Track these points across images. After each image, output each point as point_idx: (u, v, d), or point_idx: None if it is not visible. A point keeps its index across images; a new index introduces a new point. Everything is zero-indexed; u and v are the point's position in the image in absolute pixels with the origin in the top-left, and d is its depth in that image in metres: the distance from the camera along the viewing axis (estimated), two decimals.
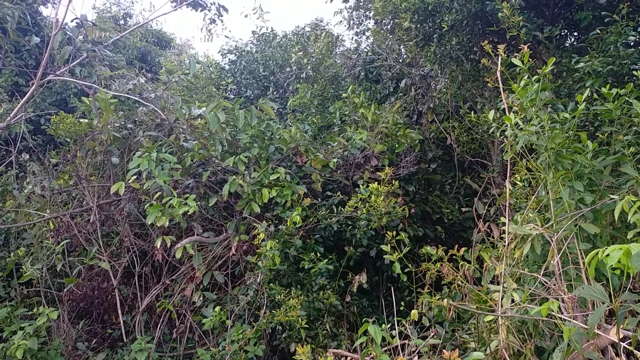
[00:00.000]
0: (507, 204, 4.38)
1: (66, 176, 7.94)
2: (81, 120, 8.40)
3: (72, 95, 11.62)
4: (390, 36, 10.52)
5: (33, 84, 6.82)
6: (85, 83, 6.67)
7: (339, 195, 7.20)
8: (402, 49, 10.77)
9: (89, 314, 7.24)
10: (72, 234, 7.13)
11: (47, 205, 7.56)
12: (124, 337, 6.78)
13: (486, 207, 7.45)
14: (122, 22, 19.51)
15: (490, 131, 4.88)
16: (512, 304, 4.02)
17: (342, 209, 6.90)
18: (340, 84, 11.73)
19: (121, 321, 6.85)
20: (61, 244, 6.66)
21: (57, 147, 10.45)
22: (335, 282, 6.82)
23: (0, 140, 8.39)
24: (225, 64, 16.07)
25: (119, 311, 6.92)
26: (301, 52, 12.10)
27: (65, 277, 7.04)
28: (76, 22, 6.80)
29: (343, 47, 13.15)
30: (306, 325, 6.00)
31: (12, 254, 6.74)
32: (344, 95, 9.50)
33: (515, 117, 4.25)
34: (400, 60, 10.55)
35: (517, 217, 4.58)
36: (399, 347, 4.45)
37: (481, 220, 6.13)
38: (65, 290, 6.96)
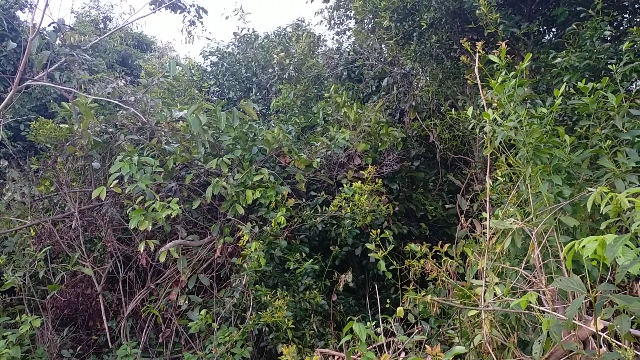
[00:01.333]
0: (488, 200, 4.42)
1: (47, 182, 7.85)
2: (61, 125, 8.30)
3: (51, 101, 11.48)
4: (372, 35, 10.56)
5: (11, 89, 6.73)
6: (64, 87, 6.60)
7: (323, 195, 7.21)
8: (384, 48, 10.81)
9: (73, 321, 7.17)
10: (54, 240, 7.06)
11: (28, 212, 7.47)
12: (110, 343, 6.72)
13: (469, 203, 7.50)
14: (101, 25, 19.36)
15: (471, 128, 4.91)
16: (495, 298, 4.06)
17: (327, 208, 6.90)
18: (323, 84, 11.74)
19: (106, 327, 6.79)
20: (43, 250, 6.59)
21: (37, 153, 10.33)
22: (321, 281, 6.83)
23: None
24: (207, 66, 16.01)
25: (104, 317, 6.86)
26: (283, 53, 12.09)
27: (48, 284, 6.96)
28: (54, 27, 6.73)
29: (325, 47, 13.17)
30: (293, 326, 5.99)
31: None
32: (326, 95, 9.50)
33: (493, 113, 4.29)
34: (382, 59, 10.59)
35: (498, 211, 4.62)
36: (385, 344, 4.46)
37: (463, 216, 6.17)
38: (48, 297, 6.88)
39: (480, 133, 4.92)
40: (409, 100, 9.23)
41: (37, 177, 7.85)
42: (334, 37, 12.17)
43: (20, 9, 12.07)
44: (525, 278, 4.00)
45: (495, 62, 4.68)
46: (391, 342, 4.37)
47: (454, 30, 7.41)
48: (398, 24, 7.53)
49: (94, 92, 6.86)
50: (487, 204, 4.35)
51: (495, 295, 4.05)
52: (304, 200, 7.26)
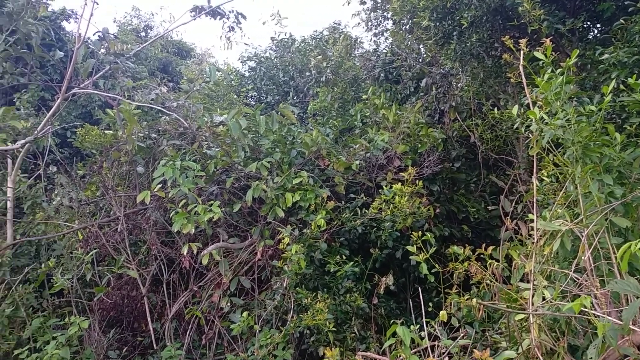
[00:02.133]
0: (534, 201, 4.30)
1: (93, 187, 8.08)
2: (106, 131, 8.54)
3: (96, 108, 11.84)
4: (409, 36, 10.47)
5: (58, 98, 6.96)
6: (109, 95, 6.78)
7: (362, 197, 7.18)
8: (422, 48, 10.71)
9: (119, 323, 7.33)
10: (100, 243, 7.24)
11: (76, 216, 7.70)
12: (154, 345, 6.85)
13: (513, 204, 7.33)
14: (143, 34, 19.88)
15: (515, 127, 4.80)
16: (543, 302, 3.94)
17: (366, 210, 6.86)
18: (360, 86, 11.71)
19: (151, 329, 6.92)
20: (90, 254, 6.76)
21: (83, 159, 10.64)
22: (362, 284, 6.79)
23: (28, 154, 8.57)
24: (245, 71, 16.20)
25: (149, 319, 6.99)
26: (320, 56, 12.12)
27: (95, 286, 7.14)
28: (98, 36, 6.93)
29: (362, 49, 13.14)
30: (334, 329, 5.97)
31: (43, 265, 6.86)
32: (364, 97, 9.47)
33: (540, 112, 4.18)
34: (420, 60, 10.49)
35: (546, 213, 4.50)
36: (429, 348, 4.39)
37: (508, 218, 6.03)
38: (95, 299, 7.06)
39: (525, 133, 4.81)
40: (448, 100, 9.10)
41: (83, 182, 8.09)
42: (371, 39, 12.13)
43: (65, 19, 12.51)
44: (575, 281, 3.88)
45: (540, 60, 4.57)
46: (435, 346, 4.29)
47: (495, 29, 7.28)
48: (437, 24, 7.44)
49: (138, 98, 7.03)
50: (534, 205, 4.23)
51: (544, 298, 3.95)
52: (343, 202, 7.24)
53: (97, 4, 6.55)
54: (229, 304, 6.84)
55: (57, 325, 6.52)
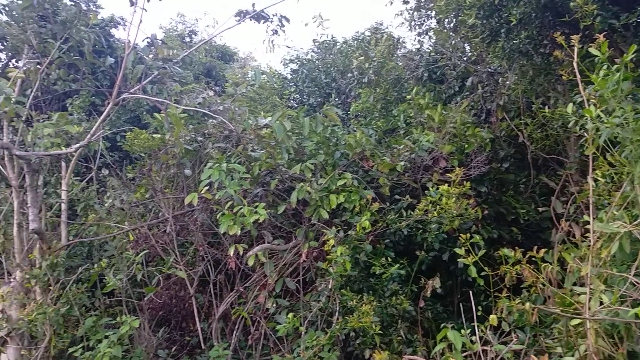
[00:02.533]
0: (591, 202, 4.15)
1: (142, 189, 8.28)
2: (154, 135, 8.74)
3: (144, 112, 12.14)
4: (453, 34, 10.30)
5: (109, 103, 7.16)
6: (158, 99, 6.93)
7: (407, 199, 7.09)
8: (467, 47, 10.52)
9: (167, 322, 7.49)
10: (150, 244, 7.42)
11: (126, 217, 7.91)
12: (202, 344, 6.96)
13: (565, 205, 7.10)
14: (187, 39, 20.27)
15: (570, 125, 4.63)
16: (601, 307, 3.80)
17: (412, 212, 6.78)
18: (403, 86, 11.59)
19: (199, 328, 7.04)
20: (140, 254, 6.93)
21: (132, 162, 10.93)
22: (408, 287, 6.71)
23: (80, 158, 8.87)
24: (287, 73, 16.31)
25: (196, 318, 7.12)
26: (362, 57, 12.07)
27: (144, 286, 7.31)
28: (147, 42, 7.10)
29: (404, 49, 13.01)
30: (380, 332, 5.92)
31: (95, 266, 7.07)
32: (408, 97, 9.37)
33: (596, 110, 4.02)
34: (465, 59, 10.30)
35: (602, 214, 4.33)
36: (480, 353, 4.29)
37: (563, 219, 5.83)
38: (145, 299, 7.23)
39: (580, 131, 4.64)
40: (495, 99, 8.89)
41: (133, 185, 8.30)
42: (415, 39, 12.00)
43: (114, 26, 12.89)
44: (635, 285, 3.72)
45: (592, 57, 4.41)
46: (487, 351, 4.19)
47: (544, 25, 7.07)
48: (484, 21, 7.28)
49: (185, 102, 7.16)
50: (590, 206, 4.08)
51: (601, 303, 3.80)
52: (388, 204, 7.17)
53: (146, 10, 6.71)
54: (274, 305, 6.88)
55: (109, 324, 6.70)
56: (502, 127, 8.78)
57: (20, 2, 6.76)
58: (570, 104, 4.57)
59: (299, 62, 15.67)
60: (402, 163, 7.20)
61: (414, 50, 12.20)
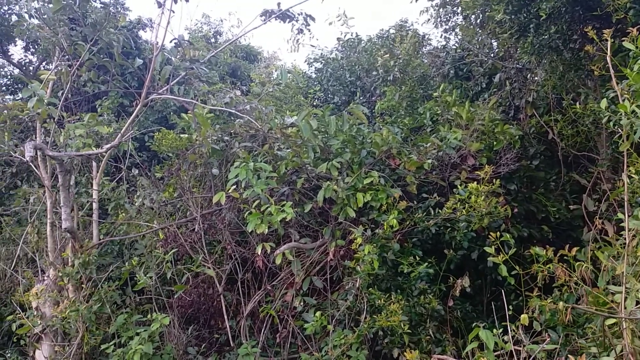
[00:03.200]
0: (625, 199, 4.05)
1: (171, 189, 8.39)
2: (181, 135, 8.84)
3: (171, 113, 12.29)
4: (480, 30, 10.16)
5: (137, 104, 7.25)
6: (185, 100, 7.00)
7: (435, 197, 7.04)
8: (494, 43, 10.37)
9: (196, 320, 7.57)
10: (178, 243, 7.51)
11: (155, 216, 8.02)
12: (231, 342, 7.01)
13: (597, 203, 6.95)
14: (212, 40, 20.44)
15: (603, 121, 4.53)
16: (638, 306, 3.71)
17: (440, 211, 6.72)
18: (429, 83, 11.49)
19: (227, 326, 7.09)
20: (170, 253, 7.01)
21: (160, 162, 11.08)
22: (436, 286, 6.66)
23: (110, 158, 9.02)
24: (311, 72, 16.30)
25: (225, 316, 7.17)
26: (387, 55, 11.99)
27: (174, 284, 7.40)
28: (174, 43, 7.17)
29: (430, 47, 12.89)
30: (409, 331, 5.89)
31: (126, 264, 7.19)
32: (434, 94, 9.28)
33: (631, 105, 3.93)
34: (493, 55, 10.16)
35: (637, 212, 4.23)
36: (512, 353, 4.23)
37: (597, 217, 5.71)
38: (174, 297, 7.31)
39: (613, 127, 4.53)
40: (524, 95, 8.75)
41: (162, 184, 8.41)
42: (442, 35, 11.87)
43: (142, 28, 13.08)
44: None
45: (624, 52, 4.30)
46: (520, 351, 4.13)
47: (575, 20, 6.94)
48: (513, 16, 7.18)
49: (212, 103, 7.22)
50: (626, 203, 3.98)
51: (638, 302, 3.71)
52: (415, 202, 7.12)
53: (173, 12, 6.78)
54: (301, 303, 6.89)
55: (140, 322, 6.80)
56: (532, 123, 8.64)
57: (51, 5, 6.89)
58: (604, 100, 4.47)
59: (324, 61, 15.66)
60: (430, 161, 7.14)
61: (439, 47, 12.07)
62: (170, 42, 7.31)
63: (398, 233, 6.64)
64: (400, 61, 11.67)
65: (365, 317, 6.16)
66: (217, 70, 15.96)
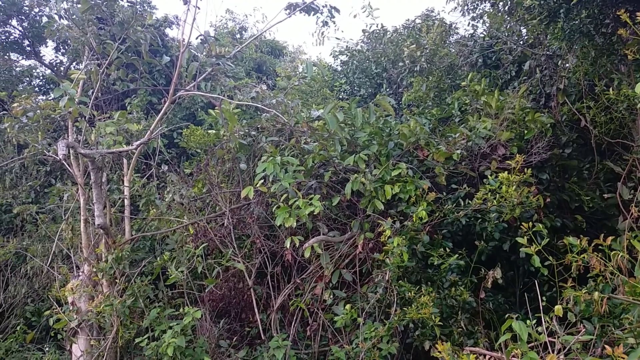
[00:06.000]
0: None
1: (200, 184, 8.48)
2: (209, 131, 8.92)
3: (199, 109, 12.41)
4: (509, 17, 9.95)
5: (165, 101, 7.35)
6: (213, 95, 7.05)
7: (465, 188, 6.94)
8: (523, 30, 10.15)
9: (227, 313, 7.64)
10: (208, 238, 7.59)
11: (185, 212, 8.11)
12: (262, 335, 7.06)
13: (632, 192, 6.75)
14: (238, 36, 20.56)
15: (639, 107, 4.39)
16: None
17: (470, 202, 6.62)
18: (457, 73, 11.33)
19: (258, 319, 7.14)
20: (200, 247, 7.09)
21: (189, 158, 11.21)
22: (467, 278, 6.57)
23: (140, 155, 9.16)
24: (337, 65, 16.25)
25: (255, 310, 7.22)
26: (414, 45, 11.86)
27: (204, 278, 7.49)
28: (200, 39, 7.22)
29: (457, 35, 12.70)
30: (440, 323, 5.83)
31: (158, 259, 7.30)
32: (462, 84, 9.15)
33: None
34: (522, 42, 9.95)
35: None
36: (546, 344, 4.15)
37: (632, 205, 5.54)
38: (205, 291, 7.40)
39: None
40: (555, 83, 8.54)
41: (191, 180, 8.51)
42: (469, 23, 11.66)
43: (168, 26, 13.23)
44: None
45: None
46: (554, 342, 4.05)
47: (607, 3, 6.73)
48: (542, 2, 7.00)
49: (239, 98, 7.26)
50: None
51: None
52: (444, 194, 7.04)
53: (199, 8, 6.82)
54: (331, 296, 6.90)
55: (172, 316, 6.90)
56: (563, 111, 8.44)
57: (79, 5, 7.02)
58: (639, 84, 4.33)
59: (349, 54, 15.58)
60: (459, 151, 7.04)
61: (467, 35, 11.88)
62: (196, 38, 7.34)
63: (427, 225, 6.57)
64: (427, 51, 11.54)
65: (396, 310, 6.12)
66: (242, 66, 16.07)
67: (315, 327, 6.93)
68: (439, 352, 3.93)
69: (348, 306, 6.30)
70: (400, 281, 6.25)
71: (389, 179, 6.79)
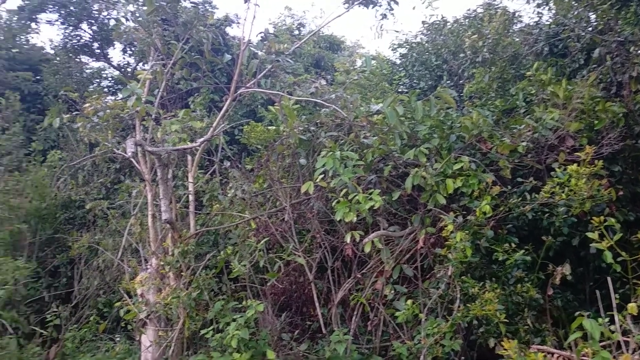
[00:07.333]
0: None
1: (260, 180, 8.62)
2: (269, 127, 9.05)
3: (259, 106, 12.61)
4: (576, 3, 9.52)
5: (227, 98, 7.51)
6: (273, 92, 7.14)
7: (531, 181, 6.71)
8: (592, 16, 9.67)
9: (289, 307, 7.75)
10: (269, 232, 7.71)
11: (247, 207, 8.27)
12: (323, 329, 7.12)
13: None
14: (296, 32, 20.71)
15: None
16: None
17: (536, 195, 6.41)
18: (522, 63, 10.94)
19: (319, 313, 7.19)
20: (262, 242, 7.20)
21: (249, 154, 11.41)
22: (534, 274, 6.37)
23: (203, 152, 9.40)
24: (395, 58, 16.08)
25: (316, 304, 7.28)
26: (475, 35, 11.55)
27: (266, 272, 7.61)
28: (261, 37, 7.33)
29: (521, 24, 12.27)
30: (505, 320, 5.68)
31: (221, 253, 7.47)
32: (527, 73, 8.83)
33: None
34: (590, 29, 9.48)
35: None
36: (619, 343, 3.96)
37: None
38: (267, 284, 7.52)
39: None
40: (627, 70, 8.08)
41: (252, 176, 8.67)
42: (534, 11, 11.26)
43: (229, 25, 13.51)
44: None
45: None
46: (628, 342, 3.86)
47: None
48: None
49: (298, 94, 7.31)
50: None
51: None
52: (509, 187, 6.84)
53: (258, 5, 6.93)
54: (392, 291, 6.85)
55: (235, 308, 7.05)
56: (636, 100, 7.98)
57: (145, 8, 7.28)
58: None
59: (408, 46, 15.37)
60: (524, 144, 6.81)
61: (532, 23, 11.46)
62: (256, 36, 7.47)
63: (491, 219, 6.40)
64: (490, 41, 11.21)
65: (459, 306, 6.01)
66: (301, 62, 16.17)
67: (376, 322, 6.92)
68: (505, 349, 3.82)
69: (409, 301, 6.23)
70: (463, 277, 6.14)
71: (451, 173, 6.65)
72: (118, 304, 7.68)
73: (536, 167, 6.98)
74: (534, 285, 6.19)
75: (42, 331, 9.58)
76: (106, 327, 9.27)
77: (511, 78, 10.76)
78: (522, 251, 6.14)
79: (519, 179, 6.93)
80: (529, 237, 6.70)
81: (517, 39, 11.44)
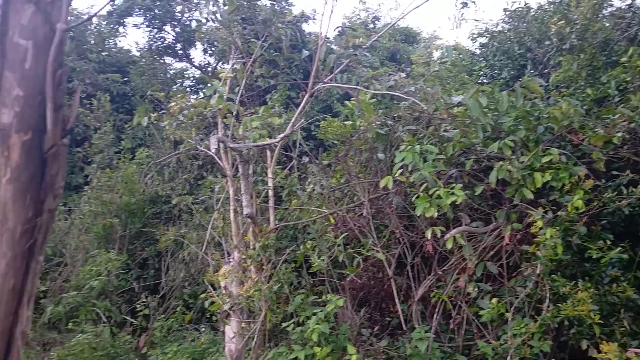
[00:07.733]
0: None
1: (338, 175, 8.62)
2: (345, 122, 9.02)
3: (335, 101, 12.61)
4: None
5: (303, 95, 7.55)
6: (350, 86, 7.10)
7: (627, 174, 6.27)
8: None
9: (368, 302, 7.70)
10: (348, 227, 7.69)
11: (325, 202, 8.30)
12: (403, 326, 7.02)
13: None
14: (371, 25, 20.55)
15: None
16: None
17: (633, 189, 5.99)
18: (613, 49, 10.25)
19: (399, 310, 7.10)
20: (341, 237, 7.20)
21: (326, 150, 11.45)
22: (631, 273, 5.98)
23: (281, 147, 9.53)
24: (475, 48, 15.56)
25: (396, 300, 7.19)
26: (562, 22, 10.95)
27: (344, 267, 7.60)
28: (338, 31, 7.31)
29: (612, 8, 11.48)
30: (600, 321, 5.35)
31: (301, 247, 7.54)
32: (621, 60, 8.25)
33: None
34: None
35: None
36: None
37: None
38: (346, 279, 7.51)
39: None
40: None
41: (329, 171, 8.68)
42: None
43: (305, 21, 13.61)
44: None
45: None
46: None
47: None
48: None
49: (376, 87, 7.23)
50: None
51: None
52: (603, 181, 6.43)
53: (336, 1, 6.90)
54: (475, 289, 6.63)
55: (315, 302, 7.10)
56: None
57: (226, 7, 7.46)
58: None
59: (489, 35, 14.82)
60: (620, 134, 6.36)
61: (624, 7, 10.70)
62: (334, 30, 7.48)
63: (584, 215, 6.04)
64: (578, 27, 10.58)
65: (548, 306, 5.73)
66: (376, 55, 16.02)
67: (459, 320, 6.73)
68: (604, 352, 3.58)
69: (494, 300, 6.02)
70: (553, 275, 5.84)
71: (539, 166, 6.33)
72: (203, 295, 7.96)
73: (633, 159, 6.51)
74: (631, 285, 5.82)
75: (132, 320, 10.13)
76: (192, 318, 9.64)
77: (602, 65, 10.10)
78: (618, 249, 5.78)
79: (614, 172, 6.50)
80: (626, 233, 6.28)
81: (608, 24, 10.72)
